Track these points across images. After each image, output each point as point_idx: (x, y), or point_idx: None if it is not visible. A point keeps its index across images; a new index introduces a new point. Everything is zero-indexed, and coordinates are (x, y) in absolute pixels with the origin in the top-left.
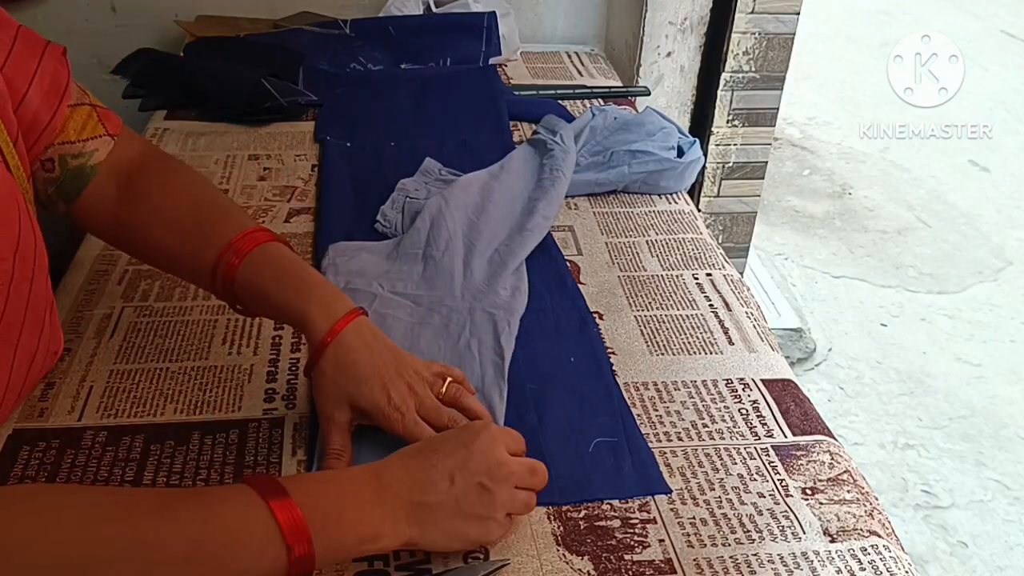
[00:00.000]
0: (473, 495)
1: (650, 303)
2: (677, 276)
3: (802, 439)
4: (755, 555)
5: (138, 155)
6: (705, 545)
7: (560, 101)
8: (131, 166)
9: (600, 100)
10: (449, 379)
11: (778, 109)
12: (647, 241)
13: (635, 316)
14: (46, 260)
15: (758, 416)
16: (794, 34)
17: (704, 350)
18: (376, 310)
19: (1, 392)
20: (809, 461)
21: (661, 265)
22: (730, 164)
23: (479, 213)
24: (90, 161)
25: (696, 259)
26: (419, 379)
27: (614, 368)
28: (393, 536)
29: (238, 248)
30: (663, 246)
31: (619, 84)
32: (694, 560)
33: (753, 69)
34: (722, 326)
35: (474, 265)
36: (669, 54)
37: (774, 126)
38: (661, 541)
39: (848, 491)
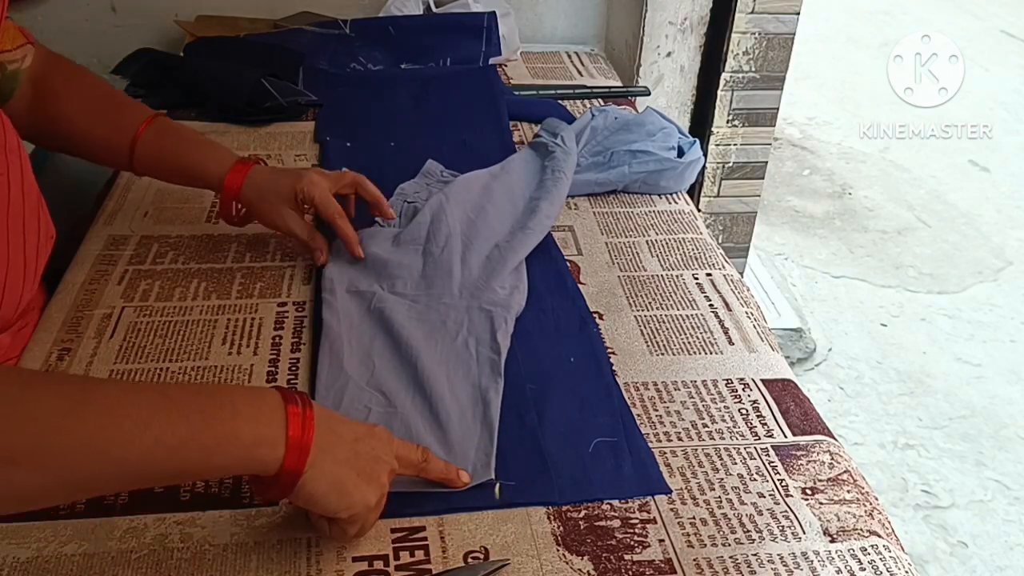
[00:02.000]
0: (369, 457)
1: (650, 303)
2: (677, 276)
3: (802, 439)
4: (755, 555)
5: (43, 59)
6: (705, 545)
7: (560, 101)
8: (41, 68)
9: (600, 100)
10: (345, 187)
11: (778, 109)
12: (647, 241)
13: (635, 316)
14: (27, 158)
15: (758, 416)
16: (794, 34)
17: (704, 350)
18: (375, 306)
19: (21, 273)
20: (809, 461)
21: (661, 265)
22: (730, 164)
23: (478, 212)
24: (22, 66)
25: (696, 259)
26: (318, 174)
27: (614, 368)
28: (280, 447)
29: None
30: (663, 246)
31: (619, 84)
32: (694, 560)
33: (753, 69)
34: (722, 326)
35: (472, 263)
36: (669, 54)
37: (774, 126)
38: (661, 541)
39: (848, 491)
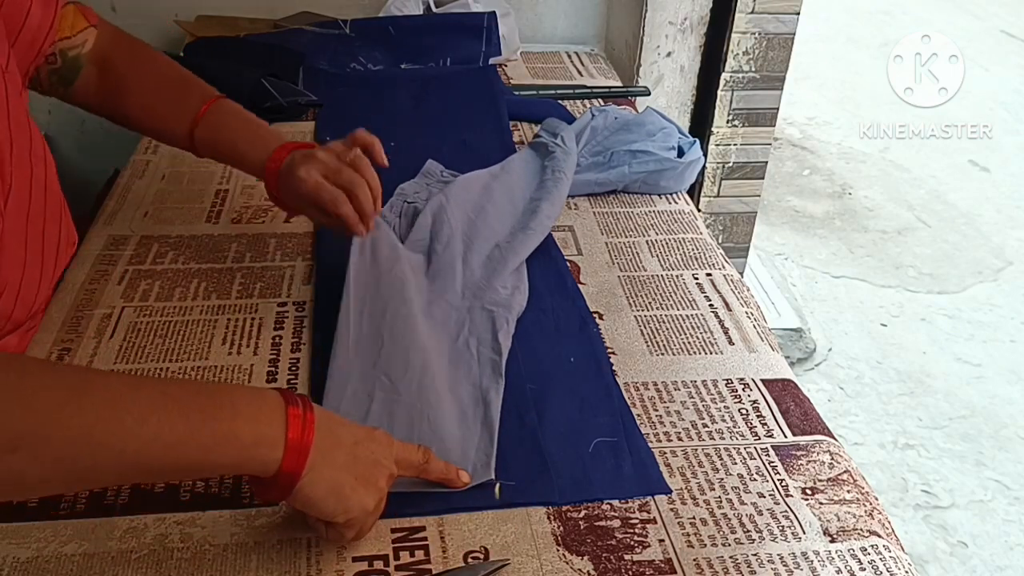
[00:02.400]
0: (368, 462)
1: (650, 303)
2: (677, 276)
3: (802, 439)
4: (755, 555)
5: (110, 38)
6: (705, 545)
7: (560, 101)
8: (107, 49)
9: (600, 100)
10: (356, 148)
11: (778, 109)
12: (647, 241)
13: (635, 316)
14: (54, 165)
15: (758, 416)
16: (794, 34)
17: (704, 350)
18: (396, 274)
19: (38, 276)
20: (809, 461)
21: (661, 265)
22: (730, 164)
23: (478, 212)
24: (83, 51)
25: (696, 259)
26: (325, 152)
27: (614, 368)
28: (279, 449)
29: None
30: (663, 246)
31: (619, 84)
32: (694, 560)
33: (753, 69)
34: (722, 326)
35: (473, 263)
36: (669, 54)
37: (774, 126)
38: (661, 541)
39: (848, 491)
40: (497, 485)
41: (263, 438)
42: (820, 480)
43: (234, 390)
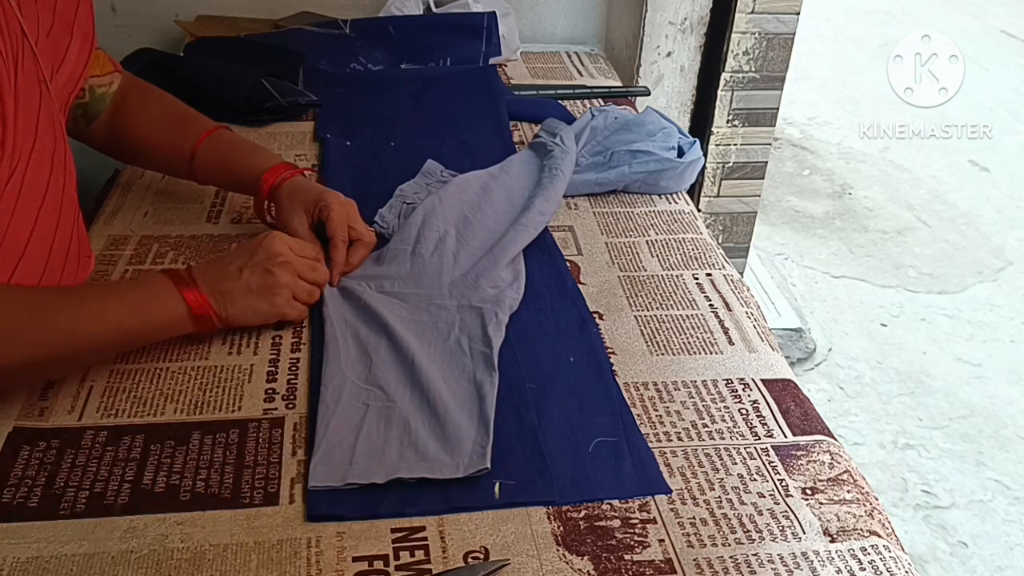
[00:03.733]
0: (258, 276)
1: (650, 303)
2: (677, 276)
3: (802, 439)
4: (755, 555)
5: (126, 83)
6: (705, 545)
7: (560, 101)
8: (123, 91)
9: (600, 100)
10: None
11: (778, 109)
12: (647, 241)
13: (635, 316)
14: (75, 178)
15: (758, 416)
16: (794, 34)
17: (704, 350)
18: (366, 304)
19: (39, 274)
20: (809, 461)
21: (661, 265)
22: (730, 164)
23: (475, 211)
24: (110, 91)
25: (696, 259)
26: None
27: (614, 368)
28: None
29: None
30: (663, 246)
31: (619, 84)
32: (694, 560)
33: (753, 69)
34: (722, 326)
35: (464, 261)
36: (669, 54)
37: (774, 126)
38: (661, 541)
39: (848, 491)
40: (497, 484)
41: (174, 316)
42: (820, 480)
43: (131, 288)
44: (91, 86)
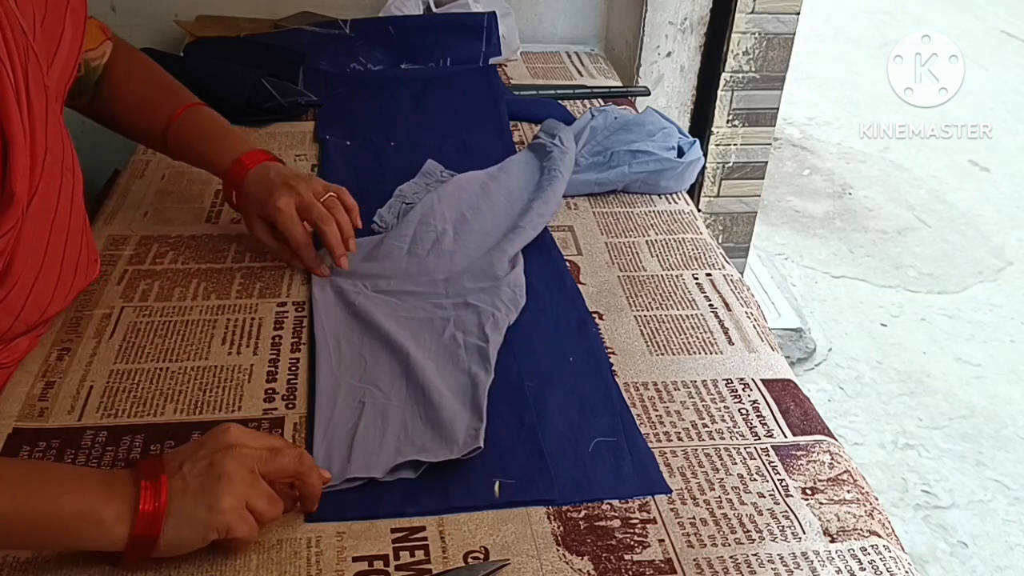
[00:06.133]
0: (198, 472)
1: (650, 303)
2: (677, 276)
3: (802, 439)
4: (755, 555)
5: (116, 50)
6: (705, 545)
7: (560, 101)
8: (112, 59)
9: (600, 100)
10: (331, 193)
11: (778, 109)
12: (647, 241)
13: (635, 316)
14: (82, 182)
15: (758, 416)
16: (794, 34)
17: (704, 350)
18: (359, 306)
19: (52, 285)
20: (809, 461)
21: (661, 265)
22: (730, 164)
23: (474, 211)
24: (103, 61)
25: (696, 259)
26: (304, 184)
27: (614, 368)
28: (116, 521)
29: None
30: (663, 246)
31: (619, 84)
32: (694, 560)
33: (753, 69)
34: (722, 326)
35: (461, 261)
36: (669, 54)
37: (774, 126)
38: (661, 541)
39: (848, 491)
40: (497, 483)
41: (86, 513)
42: (820, 480)
43: (64, 470)
44: (85, 60)
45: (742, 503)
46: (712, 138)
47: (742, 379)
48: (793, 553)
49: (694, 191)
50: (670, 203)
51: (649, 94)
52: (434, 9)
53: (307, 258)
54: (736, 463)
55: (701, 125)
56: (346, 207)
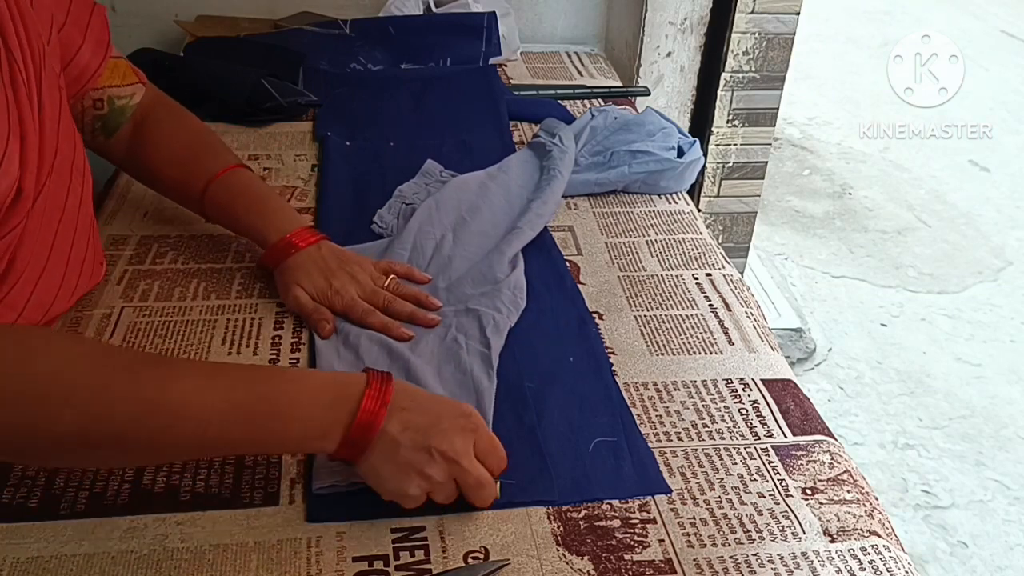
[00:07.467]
0: (413, 450)
1: (650, 303)
2: (677, 276)
3: (802, 439)
4: (755, 555)
5: (154, 98)
6: (705, 545)
7: (560, 101)
8: (149, 107)
9: (600, 100)
10: (392, 275)
11: (778, 109)
12: (647, 241)
13: (635, 316)
14: (91, 184)
15: (758, 416)
16: (794, 34)
17: (704, 350)
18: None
19: (58, 283)
20: (809, 461)
21: (661, 265)
22: (730, 164)
23: (473, 212)
24: (131, 102)
25: (696, 259)
26: (361, 270)
27: (614, 368)
28: (331, 443)
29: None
30: (663, 246)
31: (619, 84)
32: (694, 560)
33: (753, 69)
34: (722, 326)
35: (461, 266)
36: (669, 54)
37: (774, 126)
38: (661, 541)
39: (848, 491)
40: (497, 483)
41: (312, 442)
42: (820, 480)
43: (294, 401)
44: (110, 96)
45: (742, 503)
46: (712, 138)
47: (742, 379)
48: (793, 553)
49: (694, 191)
50: (670, 203)
51: (649, 94)
52: (434, 9)
53: (394, 313)
54: (736, 463)
55: (701, 125)
56: (416, 282)
